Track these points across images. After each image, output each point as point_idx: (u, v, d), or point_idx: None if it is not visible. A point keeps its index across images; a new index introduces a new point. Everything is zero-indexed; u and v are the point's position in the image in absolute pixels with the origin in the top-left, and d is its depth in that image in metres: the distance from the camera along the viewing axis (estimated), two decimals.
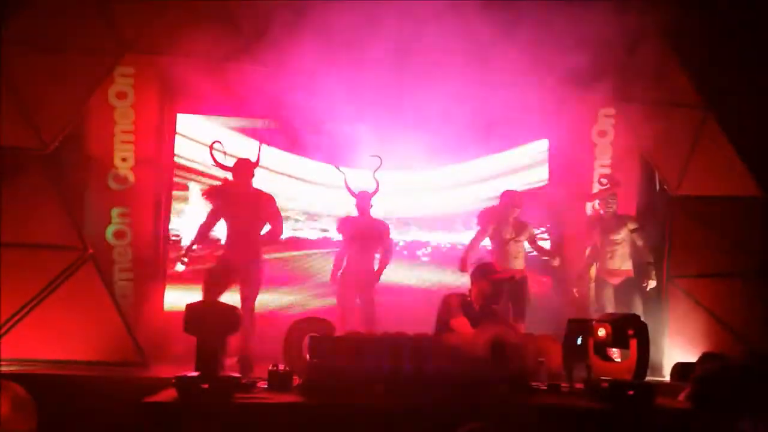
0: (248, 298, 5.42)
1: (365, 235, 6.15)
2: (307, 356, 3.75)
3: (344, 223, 6.31)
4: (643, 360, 3.84)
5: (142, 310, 6.00)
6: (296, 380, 3.88)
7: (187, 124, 6.70)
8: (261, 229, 5.54)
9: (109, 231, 6.09)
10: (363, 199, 6.24)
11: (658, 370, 6.07)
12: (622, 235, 6.25)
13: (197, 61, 6.23)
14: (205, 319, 3.47)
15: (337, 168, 6.43)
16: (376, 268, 6.13)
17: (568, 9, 5.95)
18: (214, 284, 5.33)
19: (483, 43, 5.90)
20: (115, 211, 6.17)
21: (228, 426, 3.20)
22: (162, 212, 6.33)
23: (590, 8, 5.85)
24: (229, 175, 5.55)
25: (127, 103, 6.14)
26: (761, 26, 6.30)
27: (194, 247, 5.55)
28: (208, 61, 6.25)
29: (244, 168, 5.52)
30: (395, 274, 6.76)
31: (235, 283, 5.45)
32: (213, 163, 5.65)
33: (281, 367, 3.90)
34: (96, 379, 4.94)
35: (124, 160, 6.24)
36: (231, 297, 5.34)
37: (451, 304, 4.72)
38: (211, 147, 5.62)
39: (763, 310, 6.16)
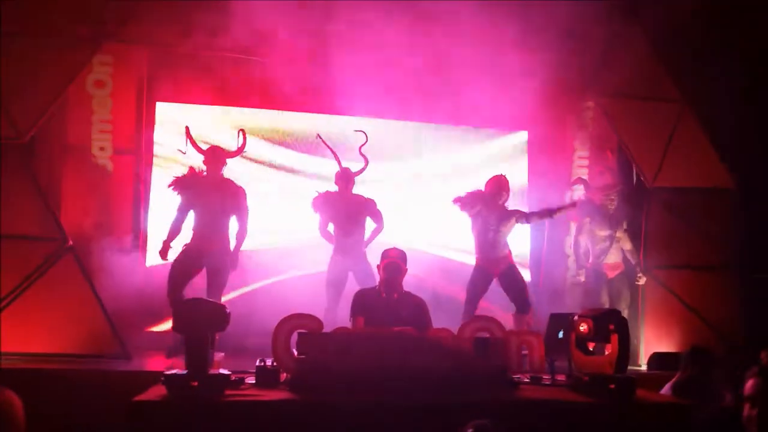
0: (215, 287, 5.38)
1: (348, 213, 5.77)
2: (295, 352, 3.76)
3: (322, 200, 5.85)
4: (624, 354, 3.93)
5: (122, 301, 5.94)
6: (283, 376, 3.90)
7: (166, 113, 6.61)
8: (229, 218, 5.47)
9: (88, 221, 6.00)
10: (343, 176, 5.87)
11: (634, 359, 6.22)
12: (620, 231, 6.35)
13: (177, 49, 6.18)
14: (194, 317, 3.45)
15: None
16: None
17: (549, 3, 6.00)
18: (181, 275, 5.32)
19: (466, 38, 5.94)
20: (93, 202, 6.08)
21: (219, 424, 3.20)
22: (141, 202, 6.25)
23: (570, 2, 5.90)
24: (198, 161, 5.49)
25: (106, 91, 6.08)
26: (736, 21, 6.41)
27: (171, 243, 5.42)
28: (187, 49, 6.20)
29: (216, 155, 5.46)
30: None
31: (199, 272, 5.41)
32: (188, 145, 5.54)
33: (268, 362, 3.91)
34: (78, 372, 4.89)
35: (102, 149, 6.18)
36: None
37: (354, 301, 4.57)
38: (187, 130, 5.57)
39: (735, 301, 6.33)
